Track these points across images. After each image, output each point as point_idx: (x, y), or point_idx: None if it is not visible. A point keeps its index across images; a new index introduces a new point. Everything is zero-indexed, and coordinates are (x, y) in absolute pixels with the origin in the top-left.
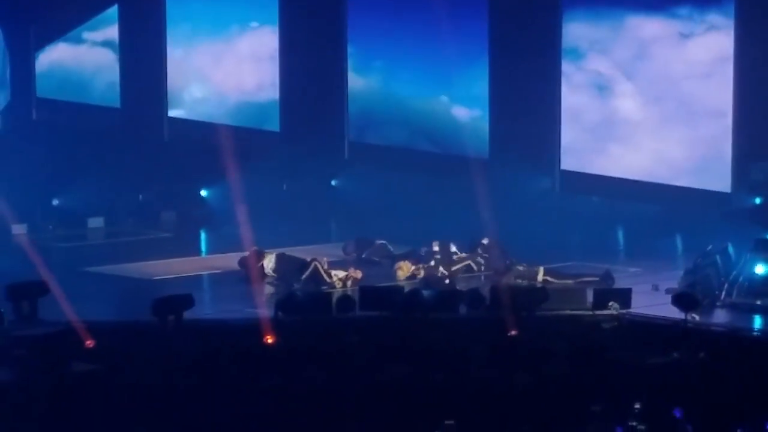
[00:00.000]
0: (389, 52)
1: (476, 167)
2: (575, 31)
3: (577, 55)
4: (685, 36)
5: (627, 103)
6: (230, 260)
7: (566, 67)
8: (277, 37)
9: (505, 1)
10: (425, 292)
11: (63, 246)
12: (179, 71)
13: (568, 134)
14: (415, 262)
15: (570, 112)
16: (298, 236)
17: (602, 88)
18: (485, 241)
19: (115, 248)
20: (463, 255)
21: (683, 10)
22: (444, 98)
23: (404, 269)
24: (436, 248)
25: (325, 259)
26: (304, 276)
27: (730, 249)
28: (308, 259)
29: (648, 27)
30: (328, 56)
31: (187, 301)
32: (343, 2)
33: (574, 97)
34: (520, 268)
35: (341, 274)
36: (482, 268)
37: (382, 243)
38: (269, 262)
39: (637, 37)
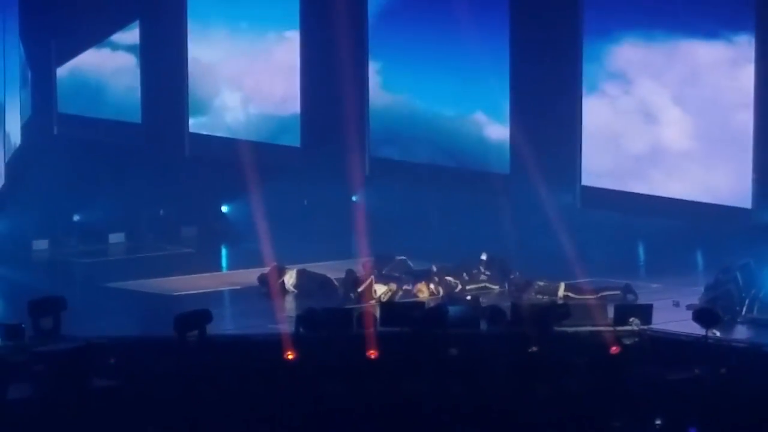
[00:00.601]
0: (410, 66)
1: (497, 182)
2: (626, 54)
3: (625, 79)
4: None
5: (673, 130)
6: (251, 276)
7: (613, 90)
8: (298, 52)
9: (527, 18)
10: (446, 308)
11: (84, 261)
12: (201, 84)
13: (610, 159)
14: (434, 282)
15: (614, 137)
16: (318, 252)
17: (649, 114)
18: (483, 257)
19: (136, 264)
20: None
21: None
22: (466, 113)
23: (424, 291)
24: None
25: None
26: (360, 289)
27: (751, 265)
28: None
29: (702, 52)
30: (350, 71)
31: (205, 316)
32: (365, 16)
33: (620, 123)
34: (541, 283)
35: (383, 288)
36: (488, 284)
37: (401, 259)
38: (290, 278)
39: (690, 63)
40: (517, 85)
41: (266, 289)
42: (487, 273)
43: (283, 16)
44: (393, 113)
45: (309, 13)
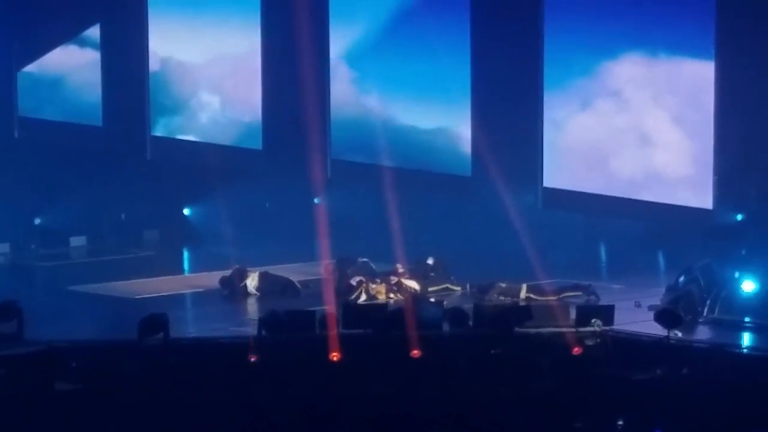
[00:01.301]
0: (372, 69)
1: (459, 184)
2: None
3: (620, 98)
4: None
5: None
6: (213, 278)
7: (608, 107)
8: (259, 55)
9: (488, 20)
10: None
11: (46, 265)
12: (162, 88)
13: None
14: (388, 282)
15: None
16: (281, 254)
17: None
18: (430, 261)
19: (98, 267)
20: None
21: None
22: (428, 116)
23: (382, 293)
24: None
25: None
26: (353, 296)
27: (712, 265)
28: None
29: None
30: (311, 74)
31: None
32: (327, 20)
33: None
34: (503, 285)
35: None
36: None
37: (364, 261)
38: (252, 281)
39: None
40: (478, 87)
41: (228, 292)
42: (432, 275)
43: (246, 20)
44: (355, 117)
45: (270, 18)
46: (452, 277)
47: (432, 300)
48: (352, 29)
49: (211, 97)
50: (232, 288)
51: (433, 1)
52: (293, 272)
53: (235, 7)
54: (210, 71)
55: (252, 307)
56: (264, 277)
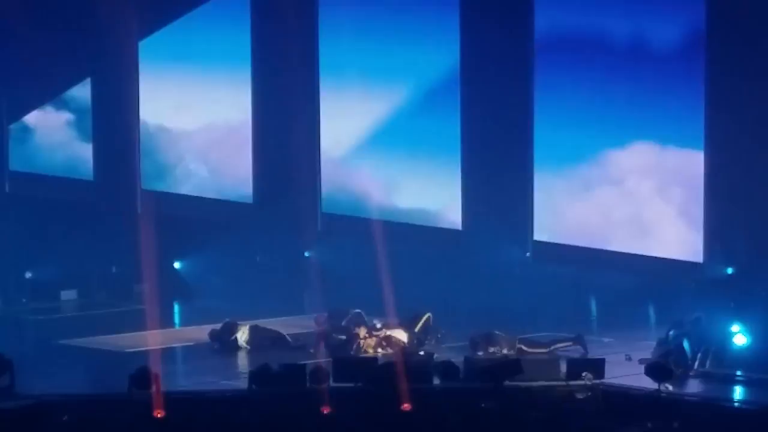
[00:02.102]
0: (362, 121)
1: (450, 237)
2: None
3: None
4: None
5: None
6: (204, 332)
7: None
8: (250, 109)
9: (478, 67)
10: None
11: (36, 318)
12: (152, 144)
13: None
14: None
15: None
16: (271, 308)
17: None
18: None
19: (89, 321)
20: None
21: None
22: (417, 169)
23: (371, 346)
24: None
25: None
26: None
27: (703, 319)
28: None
29: None
30: (302, 128)
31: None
32: (317, 75)
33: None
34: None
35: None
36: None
37: (357, 312)
38: (242, 335)
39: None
40: (468, 141)
41: (218, 345)
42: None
43: (236, 74)
44: (344, 170)
45: (261, 72)
46: (442, 331)
47: (421, 353)
48: (342, 86)
49: (202, 151)
50: (222, 341)
51: (426, 58)
52: (284, 326)
53: (225, 66)
54: (200, 126)
55: (243, 361)
56: (254, 331)
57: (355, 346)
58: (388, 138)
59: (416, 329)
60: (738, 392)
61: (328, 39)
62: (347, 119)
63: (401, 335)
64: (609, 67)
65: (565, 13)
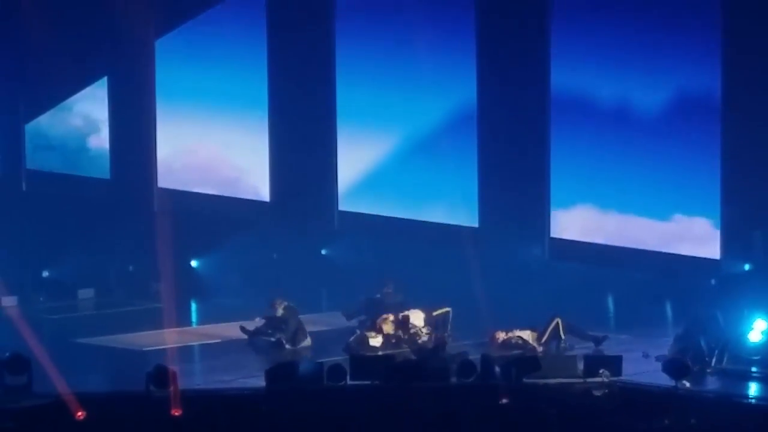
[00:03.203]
0: (377, 122)
1: (466, 235)
2: None
3: None
4: None
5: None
6: (221, 330)
7: None
8: (266, 108)
9: (493, 64)
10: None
11: (54, 318)
12: (169, 142)
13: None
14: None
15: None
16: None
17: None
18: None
19: (106, 319)
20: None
21: None
22: (435, 166)
23: (389, 323)
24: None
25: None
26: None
27: (719, 315)
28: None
29: None
30: (318, 126)
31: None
32: (333, 74)
33: None
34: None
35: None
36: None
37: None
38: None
39: None
40: (485, 138)
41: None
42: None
43: (253, 73)
44: (362, 167)
45: (277, 70)
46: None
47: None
48: (359, 86)
49: (218, 149)
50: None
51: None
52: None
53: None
54: (217, 123)
55: (260, 359)
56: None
57: (371, 325)
58: (405, 133)
59: (433, 314)
60: (755, 389)
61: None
62: (364, 115)
63: (418, 316)
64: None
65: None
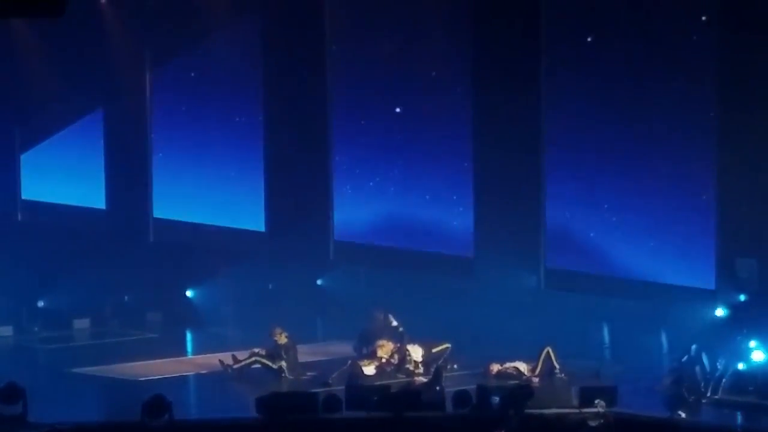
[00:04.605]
0: (373, 155)
1: (462, 265)
2: None
3: None
4: None
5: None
6: (216, 360)
7: None
8: (262, 136)
9: (489, 97)
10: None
11: (49, 347)
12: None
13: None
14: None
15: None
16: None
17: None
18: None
19: (102, 349)
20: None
21: None
22: (430, 197)
23: (385, 348)
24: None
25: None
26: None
27: (715, 346)
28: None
29: None
30: (314, 158)
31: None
32: (329, 105)
33: None
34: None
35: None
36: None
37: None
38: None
39: None
40: (480, 170)
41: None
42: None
43: (246, 101)
44: (357, 199)
45: (273, 100)
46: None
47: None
48: (354, 120)
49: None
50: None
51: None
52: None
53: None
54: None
55: (255, 389)
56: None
57: (370, 348)
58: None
59: (433, 350)
60: (751, 419)
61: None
62: (358, 147)
63: (416, 351)
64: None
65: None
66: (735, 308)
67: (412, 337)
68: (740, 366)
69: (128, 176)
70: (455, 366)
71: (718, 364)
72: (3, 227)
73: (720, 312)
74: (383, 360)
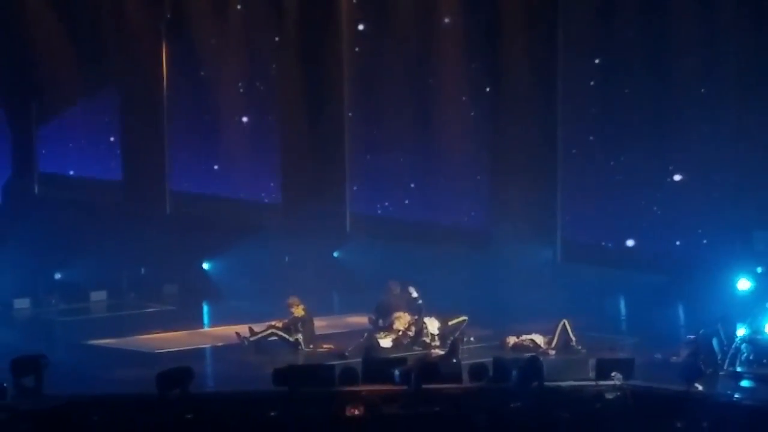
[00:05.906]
0: (389, 124)
1: (478, 238)
2: None
3: None
4: None
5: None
6: (232, 332)
7: None
8: (278, 111)
9: (504, 67)
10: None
11: (66, 320)
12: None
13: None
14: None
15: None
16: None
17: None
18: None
19: (118, 321)
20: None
21: None
22: (447, 170)
23: (402, 320)
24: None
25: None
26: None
27: (732, 317)
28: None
29: None
30: (330, 128)
31: (188, 374)
32: (343, 76)
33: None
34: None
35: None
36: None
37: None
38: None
39: None
40: (498, 142)
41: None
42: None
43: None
44: (374, 169)
45: (288, 69)
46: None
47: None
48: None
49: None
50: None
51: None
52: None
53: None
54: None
55: (271, 362)
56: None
57: (387, 321)
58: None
59: (449, 323)
60: None
61: None
62: (374, 120)
63: (433, 323)
64: None
65: None
66: (755, 280)
67: (428, 310)
68: (758, 337)
69: (145, 148)
70: (472, 339)
71: (735, 336)
72: (20, 200)
73: (745, 284)
74: (400, 332)
